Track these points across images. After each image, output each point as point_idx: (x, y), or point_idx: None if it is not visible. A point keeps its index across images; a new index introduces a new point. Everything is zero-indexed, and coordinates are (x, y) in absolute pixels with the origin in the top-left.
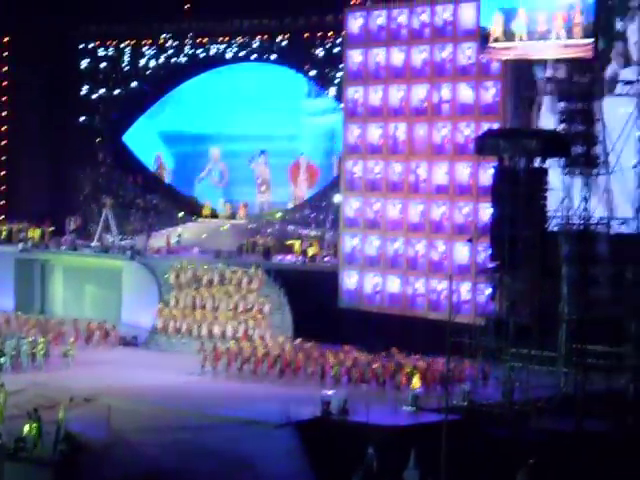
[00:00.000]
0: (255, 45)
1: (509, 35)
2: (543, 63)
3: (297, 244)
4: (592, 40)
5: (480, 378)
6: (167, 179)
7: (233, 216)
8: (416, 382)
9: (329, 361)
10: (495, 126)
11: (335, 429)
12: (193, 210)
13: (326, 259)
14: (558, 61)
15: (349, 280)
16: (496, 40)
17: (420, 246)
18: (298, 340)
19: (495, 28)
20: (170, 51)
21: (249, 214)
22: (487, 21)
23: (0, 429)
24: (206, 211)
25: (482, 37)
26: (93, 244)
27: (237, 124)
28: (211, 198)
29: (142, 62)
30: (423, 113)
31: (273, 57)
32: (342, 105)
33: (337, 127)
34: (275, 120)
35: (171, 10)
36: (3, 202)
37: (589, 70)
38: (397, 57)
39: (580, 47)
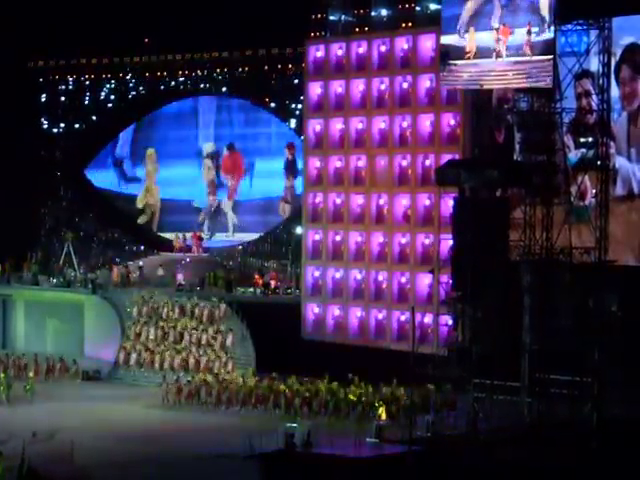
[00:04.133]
0: (215, 78)
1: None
2: (503, 93)
3: (258, 276)
4: (550, 61)
5: (444, 409)
6: None
7: (187, 249)
8: (382, 413)
9: (292, 393)
10: (456, 157)
11: (299, 461)
12: (154, 243)
13: (288, 291)
14: (518, 91)
15: (312, 312)
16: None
17: (382, 277)
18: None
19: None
20: (130, 84)
21: (208, 247)
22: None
23: None
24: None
25: (442, 55)
26: (54, 279)
27: None
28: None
29: (102, 96)
30: (384, 144)
31: (233, 90)
32: (303, 137)
33: None
34: None
35: (130, 44)
36: None
37: (549, 100)
38: (357, 89)
39: (539, 75)
